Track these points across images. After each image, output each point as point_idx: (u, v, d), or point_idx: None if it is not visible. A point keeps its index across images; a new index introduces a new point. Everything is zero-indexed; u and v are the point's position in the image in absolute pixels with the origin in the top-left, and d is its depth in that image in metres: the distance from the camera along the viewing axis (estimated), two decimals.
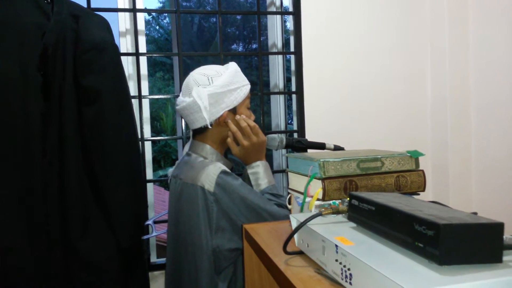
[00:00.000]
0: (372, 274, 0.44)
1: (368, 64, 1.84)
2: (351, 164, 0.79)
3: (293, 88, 1.82)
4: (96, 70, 1.26)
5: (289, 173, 0.91)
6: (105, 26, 1.34)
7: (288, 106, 2.02)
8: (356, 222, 0.62)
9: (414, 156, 0.84)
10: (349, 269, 0.49)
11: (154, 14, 12.04)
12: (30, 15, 1.20)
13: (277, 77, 1.99)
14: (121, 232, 1.31)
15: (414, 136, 1.89)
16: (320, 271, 0.59)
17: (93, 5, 1.53)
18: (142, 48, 1.65)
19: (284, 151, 1.89)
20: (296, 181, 0.87)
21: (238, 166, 2.01)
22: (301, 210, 0.82)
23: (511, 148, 1.64)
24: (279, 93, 1.98)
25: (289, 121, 2.10)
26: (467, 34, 1.79)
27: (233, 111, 1.16)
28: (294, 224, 0.69)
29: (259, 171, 1.17)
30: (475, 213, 0.55)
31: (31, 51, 1.18)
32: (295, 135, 1.80)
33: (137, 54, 1.60)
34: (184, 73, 1.22)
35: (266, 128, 1.76)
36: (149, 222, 1.41)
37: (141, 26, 1.65)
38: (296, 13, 1.76)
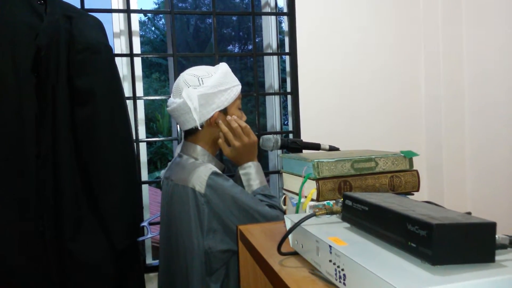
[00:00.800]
0: (365, 274, 0.44)
1: (362, 64, 1.84)
2: (345, 165, 0.79)
3: (288, 89, 1.82)
4: (90, 71, 1.26)
5: (283, 174, 0.91)
6: (99, 27, 1.33)
7: (284, 107, 2.02)
8: (350, 222, 0.62)
9: (408, 156, 0.84)
10: (342, 270, 0.49)
11: (149, 15, 12.02)
12: (23, 16, 1.19)
13: (272, 78, 1.99)
14: (116, 234, 1.30)
15: (408, 136, 1.90)
16: (314, 271, 0.58)
17: (86, 6, 1.52)
18: (137, 49, 1.64)
19: (279, 151, 1.89)
20: (291, 182, 0.87)
21: (234, 167, 2.00)
22: (297, 211, 0.82)
23: (505, 148, 1.65)
24: (274, 94, 1.98)
25: (285, 122, 2.10)
26: (461, 35, 1.80)
27: (224, 111, 1.16)
28: (288, 225, 0.69)
29: (250, 172, 1.17)
30: (469, 213, 0.55)
31: (24, 52, 1.18)
32: (290, 135, 1.80)
33: (131, 55, 1.59)
34: (179, 74, 1.22)
35: (261, 129, 1.76)
36: (144, 223, 1.40)
37: (135, 27, 1.65)
38: (291, 14, 1.76)
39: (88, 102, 1.25)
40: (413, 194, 0.85)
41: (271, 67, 2.00)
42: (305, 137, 1.74)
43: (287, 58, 1.83)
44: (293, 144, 1.26)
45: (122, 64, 1.67)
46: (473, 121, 1.79)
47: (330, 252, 0.53)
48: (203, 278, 1.07)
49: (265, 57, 2.02)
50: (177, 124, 1.65)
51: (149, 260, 1.70)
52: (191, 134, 1.18)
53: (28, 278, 1.19)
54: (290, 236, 0.67)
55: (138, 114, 1.60)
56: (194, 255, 1.07)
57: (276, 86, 1.99)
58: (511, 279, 0.42)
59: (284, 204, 0.91)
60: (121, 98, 1.36)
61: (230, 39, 12.75)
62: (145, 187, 1.66)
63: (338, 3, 1.81)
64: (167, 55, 1.73)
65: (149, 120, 9.75)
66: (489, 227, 0.45)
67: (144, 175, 1.66)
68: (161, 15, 11.60)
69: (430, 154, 1.88)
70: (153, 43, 12.38)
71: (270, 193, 1.16)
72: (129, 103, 1.56)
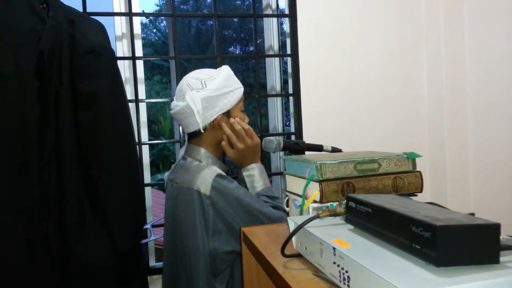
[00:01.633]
0: (369, 276, 0.44)
1: (364, 65, 1.84)
2: (348, 166, 0.79)
3: (290, 90, 1.82)
4: (92, 74, 1.26)
5: (286, 176, 0.91)
6: (101, 30, 1.34)
7: (286, 108, 2.02)
8: (354, 224, 0.62)
9: (411, 157, 0.84)
10: (347, 272, 0.49)
11: (151, 17, 12.04)
12: (25, 20, 1.20)
13: (274, 80, 2.00)
14: (120, 236, 1.30)
15: (411, 137, 1.90)
16: (318, 273, 0.58)
17: (89, 9, 1.53)
18: (139, 52, 1.65)
19: (282, 153, 1.89)
20: (294, 184, 0.87)
21: (237, 169, 2.01)
22: (301, 213, 0.82)
23: (508, 148, 1.65)
24: (276, 95, 1.98)
25: (287, 123, 2.10)
26: (463, 35, 1.80)
27: (227, 114, 1.17)
28: (292, 227, 0.69)
29: (254, 173, 1.17)
30: (473, 214, 0.55)
31: (27, 56, 1.18)
32: (293, 137, 1.80)
33: (133, 58, 1.60)
34: (181, 76, 1.23)
35: (264, 131, 1.76)
36: (148, 226, 1.40)
37: (137, 30, 1.65)
38: (292, 15, 1.76)
39: (91, 105, 1.25)
40: (416, 195, 0.85)
41: (273, 69, 2.00)
42: (307, 138, 1.74)
43: (288, 59, 1.83)
44: (296, 145, 1.26)
45: (124, 67, 1.68)
46: (476, 122, 1.78)
47: (334, 254, 0.53)
48: (208, 280, 1.08)
49: (267, 59, 2.03)
50: (179, 126, 1.66)
51: (153, 262, 1.70)
52: (194, 136, 1.19)
53: (32, 280, 1.19)
54: (293, 238, 0.67)
55: (140, 117, 1.61)
56: (199, 256, 1.08)
57: (278, 87, 1.99)
58: None
59: (287, 206, 0.92)
60: (124, 101, 1.36)
61: (231, 40, 12.77)
62: (148, 190, 1.66)
63: (339, 4, 1.81)
64: (169, 57, 1.74)
65: (151, 122, 9.77)
66: (493, 229, 0.45)
67: (147, 178, 1.66)
68: (163, 17, 11.63)
69: (433, 155, 1.87)
70: (155, 45, 12.41)
71: (273, 195, 1.16)
72: (131, 105, 1.57)
